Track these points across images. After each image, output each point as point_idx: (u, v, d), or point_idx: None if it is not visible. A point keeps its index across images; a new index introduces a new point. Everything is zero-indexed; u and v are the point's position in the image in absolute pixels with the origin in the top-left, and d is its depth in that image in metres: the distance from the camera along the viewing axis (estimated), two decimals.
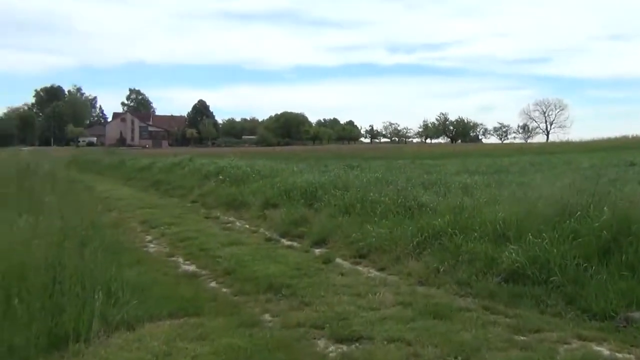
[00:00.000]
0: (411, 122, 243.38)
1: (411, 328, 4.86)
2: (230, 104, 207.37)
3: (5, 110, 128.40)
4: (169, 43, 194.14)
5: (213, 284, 6.61)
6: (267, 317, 5.36)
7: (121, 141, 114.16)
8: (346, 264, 7.66)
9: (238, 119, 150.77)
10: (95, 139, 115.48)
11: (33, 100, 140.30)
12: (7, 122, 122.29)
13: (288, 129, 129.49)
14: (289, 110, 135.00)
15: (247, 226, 11.11)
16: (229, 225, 11.23)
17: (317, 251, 8.51)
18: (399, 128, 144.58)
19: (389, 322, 5.03)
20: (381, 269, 7.32)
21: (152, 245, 9.09)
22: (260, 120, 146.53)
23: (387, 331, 4.79)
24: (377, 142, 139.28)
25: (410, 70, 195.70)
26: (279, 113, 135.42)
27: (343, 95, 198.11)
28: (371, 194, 10.25)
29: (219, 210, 13.28)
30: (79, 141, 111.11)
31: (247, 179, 15.49)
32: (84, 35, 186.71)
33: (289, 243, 9.24)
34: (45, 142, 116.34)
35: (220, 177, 16.52)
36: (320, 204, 11.01)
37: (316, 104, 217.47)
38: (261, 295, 5.96)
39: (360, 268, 7.44)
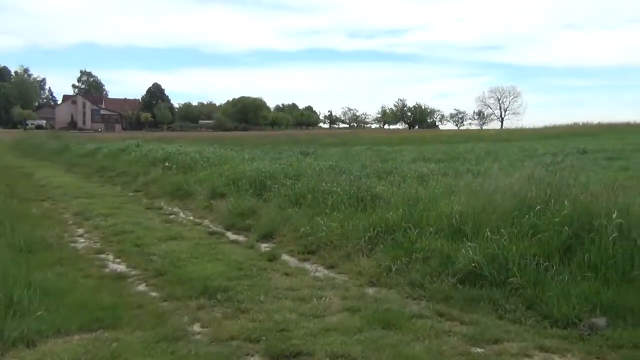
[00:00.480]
0: (370, 107, 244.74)
1: (358, 340, 4.32)
2: (186, 88, 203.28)
3: None
4: (123, 24, 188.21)
5: (141, 287, 5.90)
6: (196, 327, 4.71)
7: (72, 125, 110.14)
8: (293, 261, 7.08)
9: (195, 103, 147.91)
10: (44, 122, 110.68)
11: None
12: None
13: (245, 113, 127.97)
14: (247, 95, 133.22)
15: (191, 218, 10.38)
16: (172, 217, 10.46)
17: (263, 246, 7.90)
18: (357, 114, 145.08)
19: (334, 333, 4.47)
20: (330, 267, 6.78)
21: (82, 241, 8.26)
22: (217, 104, 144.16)
23: (331, 345, 4.23)
24: (336, 128, 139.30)
25: (369, 56, 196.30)
26: (236, 97, 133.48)
27: (302, 80, 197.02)
28: (323, 184, 9.69)
29: (163, 200, 12.45)
30: (27, 124, 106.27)
31: (195, 167, 14.71)
32: (32, 15, 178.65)
33: (233, 237, 8.59)
34: None
35: (167, 164, 15.64)
36: (270, 194, 10.40)
37: (275, 89, 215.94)
38: (193, 301, 5.29)
39: (307, 266, 6.88)
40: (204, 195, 11.88)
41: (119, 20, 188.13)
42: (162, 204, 12.02)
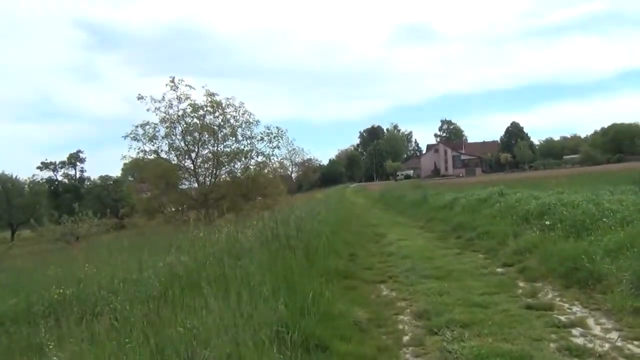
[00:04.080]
0: None
1: None
2: (546, 124, 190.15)
3: (336, 153, 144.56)
4: (477, 71, 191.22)
5: None
6: None
7: (435, 172, 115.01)
8: None
9: (557, 138, 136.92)
10: (411, 171, 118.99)
11: (358, 141, 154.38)
12: (337, 162, 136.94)
13: (619, 143, 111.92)
14: (618, 122, 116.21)
15: (611, 340, 5.47)
16: (576, 336, 5.72)
17: None
18: None
19: None
20: None
21: None
22: (582, 137, 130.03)
23: None
24: None
25: None
26: (605, 127, 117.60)
27: None
28: None
29: (550, 287, 7.82)
30: (397, 175, 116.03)
31: (592, 226, 9.56)
32: (396, 79, 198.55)
33: None
34: (370, 178, 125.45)
35: (547, 221, 10.90)
36: None
37: None
38: None
39: None
40: (624, 283, 6.79)
41: (474, 69, 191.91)
42: (549, 295, 7.40)
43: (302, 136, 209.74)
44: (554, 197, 12.85)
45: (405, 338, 6.05)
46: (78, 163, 77.05)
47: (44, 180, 74.99)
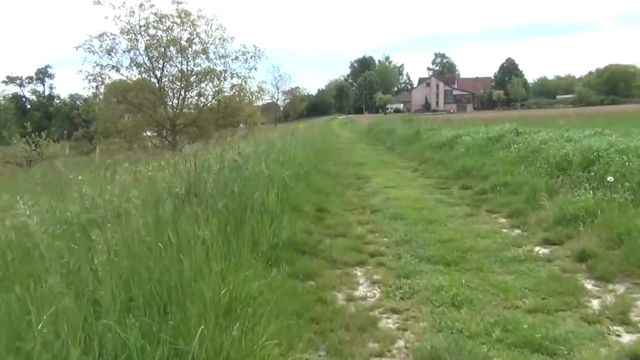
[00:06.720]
0: None
1: None
2: (541, 62, 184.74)
3: (326, 83, 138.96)
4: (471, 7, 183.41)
5: None
6: None
7: (426, 106, 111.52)
8: None
9: (551, 77, 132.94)
10: (402, 105, 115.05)
11: (349, 71, 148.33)
12: (326, 92, 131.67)
13: (614, 84, 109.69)
14: (614, 63, 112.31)
15: None
16: None
17: None
18: None
19: None
20: None
21: None
22: (577, 77, 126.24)
23: None
24: None
25: None
26: (601, 67, 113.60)
27: None
28: None
29: (617, 278, 4.59)
30: (387, 108, 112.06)
31: None
32: (393, 10, 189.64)
33: None
34: (359, 110, 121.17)
35: (608, 177, 7.52)
36: None
37: None
38: None
39: None
40: None
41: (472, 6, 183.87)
42: (620, 290, 4.17)
43: (291, 66, 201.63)
44: (603, 142, 9.36)
45: None
46: (47, 79, 71.87)
47: (10, 96, 70.01)
